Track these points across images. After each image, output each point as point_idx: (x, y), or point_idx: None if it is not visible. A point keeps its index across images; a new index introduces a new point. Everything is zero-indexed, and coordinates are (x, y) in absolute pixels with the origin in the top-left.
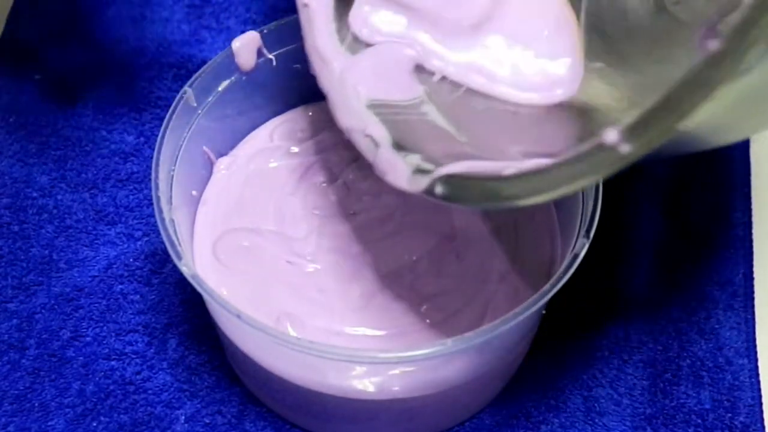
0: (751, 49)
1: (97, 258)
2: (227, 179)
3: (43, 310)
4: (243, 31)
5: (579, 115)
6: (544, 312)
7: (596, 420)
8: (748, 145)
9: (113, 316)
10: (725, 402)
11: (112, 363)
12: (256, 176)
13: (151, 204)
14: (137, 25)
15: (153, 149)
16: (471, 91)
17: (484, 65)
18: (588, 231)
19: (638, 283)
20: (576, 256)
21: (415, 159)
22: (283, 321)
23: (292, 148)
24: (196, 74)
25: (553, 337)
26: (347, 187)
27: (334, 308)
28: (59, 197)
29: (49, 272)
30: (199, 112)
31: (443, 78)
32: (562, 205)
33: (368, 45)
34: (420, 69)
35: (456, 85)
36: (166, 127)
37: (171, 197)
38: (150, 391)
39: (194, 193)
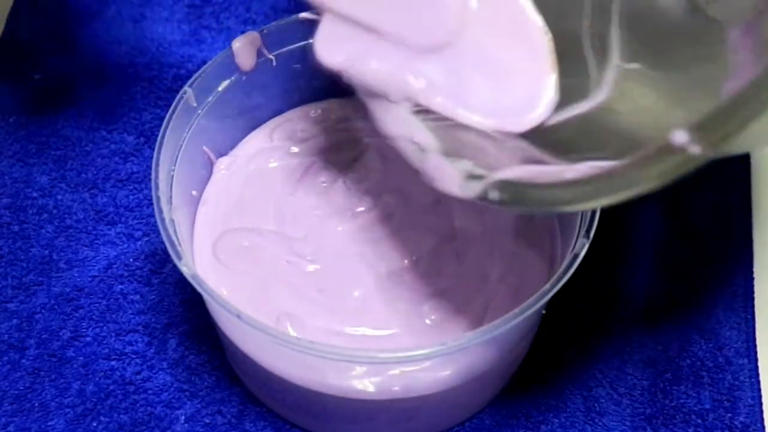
0: None
1: (97, 258)
2: (227, 179)
3: (43, 310)
4: (243, 31)
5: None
6: (544, 312)
7: (596, 420)
8: None
9: (113, 316)
10: (725, 402)
11: (112, 363)
12: (256, 176)
13: (151, 204)
14: (137, 25)
15: (153, 149)
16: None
17: (450, 91)
18: (588, 231)
19: (638, 283)
20: (576, 256)
21: (466, 165)
22: (283, 321)
23: (292, 148)
24: (196, 74)
25: (553, 337)
26: (347, 187)
27: (334, 308)
28: (59, 197)
29: (49, 272)
30: (199, 112)
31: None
32: None
33: None
34: None
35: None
36: (166, 127)
37: (171, 197)
38: (150, 391)
39: (194, 193)
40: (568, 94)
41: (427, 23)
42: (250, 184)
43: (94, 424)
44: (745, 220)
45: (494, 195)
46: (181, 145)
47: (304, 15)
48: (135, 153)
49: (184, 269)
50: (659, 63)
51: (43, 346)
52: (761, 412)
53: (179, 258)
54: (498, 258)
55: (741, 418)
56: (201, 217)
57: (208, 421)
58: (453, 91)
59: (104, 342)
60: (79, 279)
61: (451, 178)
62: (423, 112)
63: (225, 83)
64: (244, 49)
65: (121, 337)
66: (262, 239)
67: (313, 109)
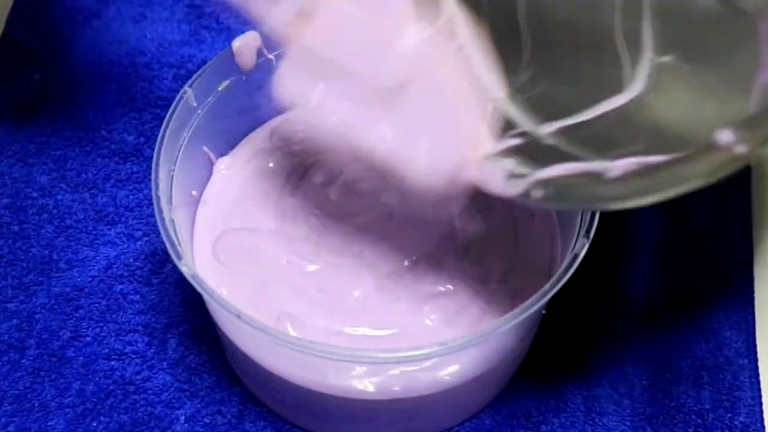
0: None
1: (97, 258)
2: (227, 179)
3: (43, 310)
4: (243, 31)
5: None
6: (544, 312)
7: (596, 420)
8: None
9: (113, 316)
10: (725, 402)
11: (112, 363)
12: (256, 176)
13: (151, 204)
14: (137, 25)
15: (153, 149)
16: None
17: (398, 142)
18: (588, 231)
19: (638, 283)
20: (576, 256)
21: (508, 164)
22: (283, 321)
23: (292, 148)
24: (196, 74)
25: (553, 337)
26: (347, 187)
27: (334, 308)
28: (59, 197)
29: (49, 272)
30: (199, 112)
31: None
32: None
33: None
34: None
35: None
36: (166, 127)
37: (171, 197)
38: (150, 391)
39: (194, 193)
40: (603, 87)
41: (381, 65)
42: (250, 184)
43: (94, 424)
44: (745, 220)
45: (537, 193)
46: (181, 145)
47: None
48: (135, 153)
49: (184, 269)
50: (691, 56)
51: (43, 346)
52: (761, 412)
53: (179, 258)
54: (498, 258)
55: (741, 418)
56: (201, 217)
57: (208, 421)
58: (402, 133)
59: (104, 342)
60: (79, 279)
61: (493, 177)
62: None
63: (225, 83)
64: (244, 49)
65: (121, 337)
66: (262, 239)
67: None
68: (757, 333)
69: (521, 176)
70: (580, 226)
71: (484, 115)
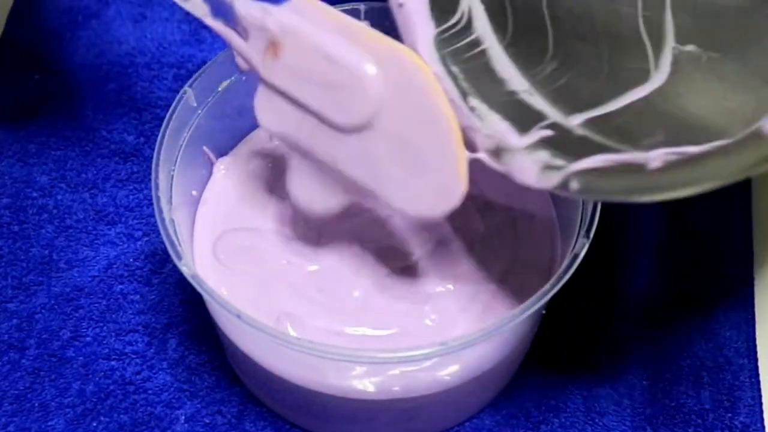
0: None
1: (97, 258)
2: (227, 179)
3: (43, 310)
4: None
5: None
6: (544, 312)
7: (596, 420)
8: None
9: (113, 316)
10: (725, 402)
11: (112, 363)
12: (256, 176)
13: (151, 204)
14: (137, 25)
15: (153, 149)
16: None
17: (368, 173)
18: (588, 231)
19: (638, 283)
20: (576, 256)
21: (542, 155)
22: (283, 321)
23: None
24: (196, 74)
25: (553, 337)
26: None
27: (334, 308)
28: (59, 197)
29: (49, 272)
30: (199, 112)
31: None
32: (562, 205)
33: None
34: None
35: None
36: (166, 127)
37: (171, 197)
38: (150, 391)
39: (194, 193)
40: (627, 78)
41: (346, 106)
42: (250, 184)
43: (94, 424)
44: (745, 220)
45: (575, 185)
46: (181, 145)
47: None
48: (135, 153)
49: (184, 269)
50: (714, 44)
51: (43, 346)
52: (761, 412)
53: (179, 258)
54: (498, 258)
55: (741, 418)
56: (201, 217)
57: (208, 421)
58: (370, 174)
59: (104, 342)
60: (79, 279)
61: (528, 169)
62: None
63: (225, 83)
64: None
65: (121, 337)
66: (262, 239)
67: None
68: (757, 333)
69: (557, 168)
70: (580, 226)
71: (454, 157)
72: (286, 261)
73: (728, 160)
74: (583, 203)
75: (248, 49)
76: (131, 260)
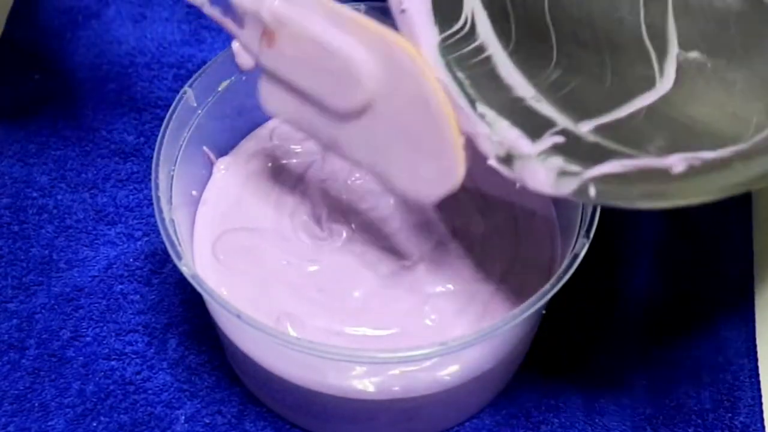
0: None
1: (97, 258)
2: (227, 179)
3: (43, 310)
4: None
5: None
6: (544, 312)
7: (596, 420)
8: None
9: (113, 316)
10: (725, 402)
11: (112, 363)
12: (256, 176)
13: (151, 204)
14: (137, 25)
15: (153, 149)
16: None
17: (371, 157)
18: (588, 231)
19: (638, 283)
20: (576, 256)
21: (557, 161)
22: (283, 321)
23: (292, 147)
24: (196, 74)
25: (553, 337)
26: (347, 186)
27: (334, 308)
28: (59, 197)
29: (49, 272)
30: (199, 112)
31: None
32: (562, 205)
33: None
34: None
35: None
36: (166, 127)
37: (171, 197)
38: (150, 391)
39: (194, 193)
40: (633, 85)
41: (342, 91)
42: (250, 184)
43: (94, 424)
44: (745, 220)
45: (593, 191)
46: (181, 145)
47: None
48: (135, 153)
49: (184, 269)
50: (719, 51)
51: (43, 346)
52: (761, 412)
53: (179, 258)
54: (498, 258)
55: (741, 418)
56: (201, 217)
57: (208, 421)
58: (372, 157)
59: (104, 342)
60: (79, 279)
61: (542, 176)
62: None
63: (225, 83)
64: (244, 49)
65: (121, 337)
66: (262, 239)
67: None
68: (757, 333)
69: (574, 174)
70: (580, 226)
71: (449, 141)
72: (286, 261)
73: (748, 165)
74: (582, 203)
75: (245, 37)
76: (131, 260)
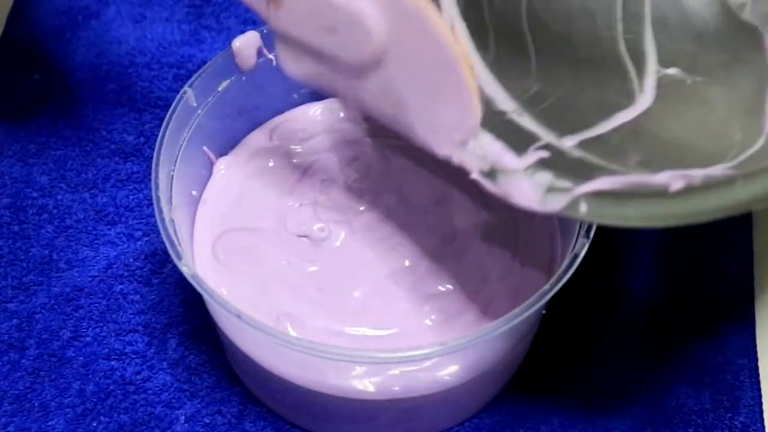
0: None
1: (97, 258)
2: (227, 179)
3: (43, 310)
4: (243, 31)
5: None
6: (544, 312)
7: (596, 420)
8: None
9: (113, 316)
10: (725, 402)
11: (112, 363)
12: (256, 176)
13: (151, 204)
14: (137, 25)
15: (153, 149)
16: None
17: (390, 106)
18: (588, 231)
19: (638, 283)
20: (576, 256)
21: (545, 177)
22: (283, 321)
23: (292, 147)
24: (196, 74)
25: (553, 337)
26: (347, 186)
27: (334, 308)
28: (59, 197)
29: (49, 272)
30: (199, 112)
31: None
32: None
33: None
34: None
35: None
36: (166, 127)
37: (171, 197)
38: (150, 391)
39: (194, 193)
40: (614, 100)
41: (352, 44)
42: (250, 184)
43: (94, 424)
44: (745, 220)
45: (584, 208)
46: (181, 145)
47: None
48: (135, 153)
49: (184, 269)
50: (697, 69)
51: (43, 346)
52: (761, 412)
53: (179, 258)
54: (498, 258)
55: (741, 418)
56: (201, 217)
57: (208, 421)
58: (392, 108)
59: (104, 342)
60: (79, 279)
61: (529, 191)
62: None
63: (225, 83)
64: (244, 49)
65: (121, 337)
66: (262, 239)
67: (313, 109)
68: (757, 333)
69: (563, 190)
70: (580, 226)
71: (463, 84)
72: (286, 261)
73: (746, 186)
74: None
75: (253, 2)
76: (131, 260)
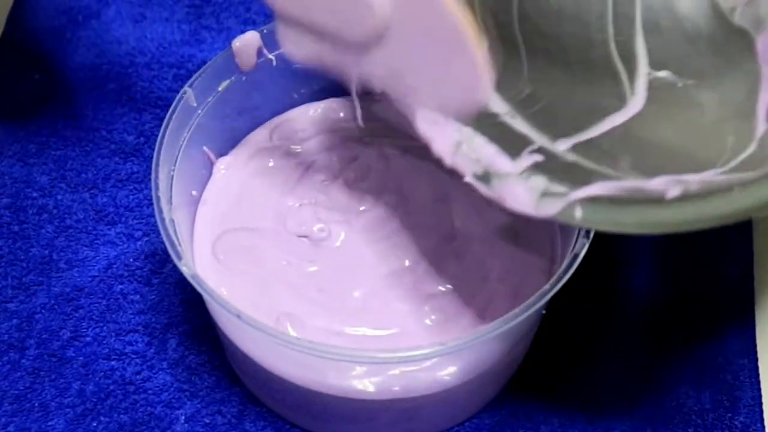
0: None
1: (97, 258)
2: (227, 179)
3: (43, 310)
4: (243, 31)
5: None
6: (544, 312)
7: (596, 420)
8: None
9: (113, 316)
10: (725, 402)
11: (112, 363)
12: (256, 176)
13: (151, 204)
14: (137, 25)
15: (153, 149)
16: None
17: (395, 81)
18: (588, 231)
19: (638, 283)
20: (576, 256)
21: (539, 181)
22: (283, 321)
23: (292, 147)
24: (196, 74)
25: (553, 337)
26: (347, 186)
27: (334, 308)
28: (59, 197)
29: (49, 272)
30: (199, 112)
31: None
32: None
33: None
34: None
35: None
36: (166, 127)
37: (171, 197)
38: (150, 391)
39: (194, 193)
40: (605, 102)
41: (355, 21)
42: (250, 184)
43: (94, 424)
44: (745, 220)
45: (579, 214)
46: (181, 145)
47: None
48: (135, 153)
49: (184, 269)
50: (687, 72)
51: (43, 346)
52: (761, 412)
53: (179, 258)
54: (498, 258)
55: (741, 418)
56: (201, 217)
57: (208, 421)
58: (400, 83)
59: (104, 342)
60: (79, 279)
61: (523, 196)
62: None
63: (225, 83)
64: (244, 49)
65: (121, 337)
66: (262, 239)
67: (313, 109)
68: (757, 333)
69: (558, 195)
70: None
71: (470, 51)
72: (286, 261)
73: (747, 193)
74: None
75: None
76: (131, 260)
